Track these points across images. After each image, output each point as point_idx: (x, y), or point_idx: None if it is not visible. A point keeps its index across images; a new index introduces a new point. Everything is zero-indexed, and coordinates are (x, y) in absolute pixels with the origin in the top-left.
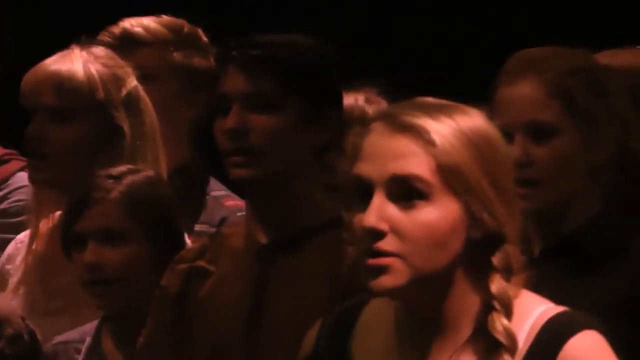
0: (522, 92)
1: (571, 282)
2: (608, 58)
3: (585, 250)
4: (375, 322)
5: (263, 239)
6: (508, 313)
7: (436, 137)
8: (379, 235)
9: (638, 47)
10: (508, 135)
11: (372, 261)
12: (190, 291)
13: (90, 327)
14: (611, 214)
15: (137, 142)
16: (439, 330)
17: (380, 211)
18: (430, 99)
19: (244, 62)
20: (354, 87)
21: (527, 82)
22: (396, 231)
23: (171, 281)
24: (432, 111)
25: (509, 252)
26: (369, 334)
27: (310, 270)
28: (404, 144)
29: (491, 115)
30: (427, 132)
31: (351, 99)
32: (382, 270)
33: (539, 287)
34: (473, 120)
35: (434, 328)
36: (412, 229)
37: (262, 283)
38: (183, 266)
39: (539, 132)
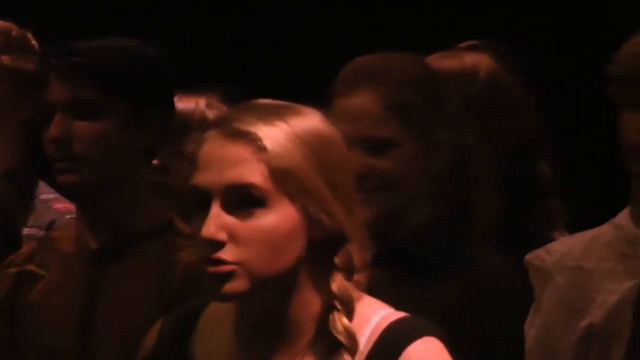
0: (359, 105)
1: (402, 289)
2: (436, 62)
3: (415, 258)
4: (217, 322)
5: (93, 244)
6: (349, 313)
7: (267, 143)
8: (218, 245)
9: (459, 45)
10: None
11: (213, 269)
12: (20, 295)
13: None
14: (442, 221)
15: None
16: (282, 332)
17: (218, 221)
18: (265, 101)
19: (63, 70)
20: (197, 90)
21: (363, 94)
22: (235, 240)
23: (0, 285)
24: (265, 115)
25: (351, 252)
26: (210, 334)
27: (142, 274)
28: (237, 152)
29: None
30: (259, 139)
31: (192, 103)
32: (223, 277)
33: (372, 294)
34: (307, 121)
35: (277, 330)
36: (250, 236)
37: (93, 288)
38: (12, 270)
39: (377, 146)
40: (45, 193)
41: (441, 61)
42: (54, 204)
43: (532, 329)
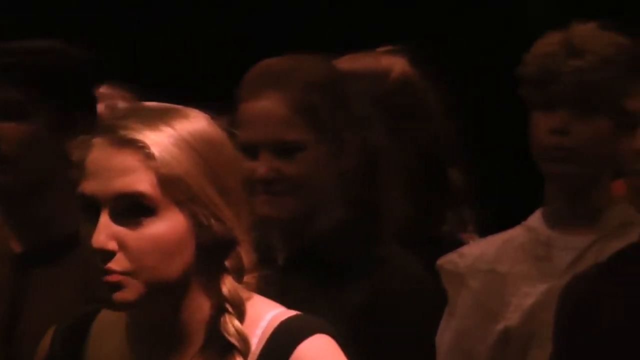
0: (266, 108)
1: (314, 290)
2: (348, 63)
3: (325, 259)
4: (110, 328)
5: (17, 247)
6: (240, 315)
7: (155, 150)
8: (108, 254)
9: (378, 50)
10: (253, 150)
11: (105, 278)
12: None
13: None
14: (353, 222)
15: None
16: (175, 337)
17: (107, 230)
18: (150, 104)
19: None
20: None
21: (270, 97)
22: (125, 249)
23: None
24: (151, 120)
25: (240, 254)
26: (103, 340)
27: (66, 279)
28: (124, 160)
29: (234, 127)
30: (146, 146)
31: (102, 106)
32: (115, 286)
33: (283, 296)
34: (194, 124)
35: (170, 334)
36: (140, 246)
37: (17, 292)
38: None
39: (285, 149)
40: None
41: (355, 60)
42: None
43: (446, 333)
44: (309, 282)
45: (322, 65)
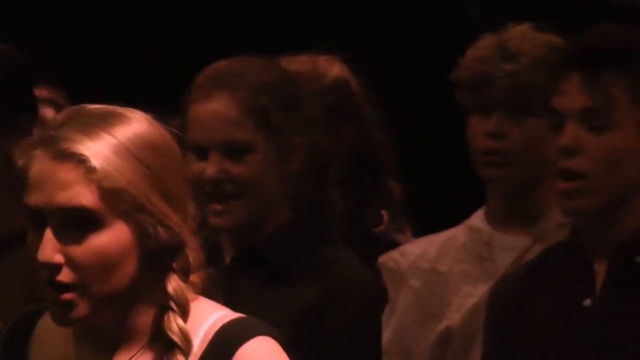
0: (216, 110)
1: (261, 290)
2: (286, 64)
3: (273, 259)
4: (54, 328)
5: None
6: (184, 313)
7: (96, 162)
8: (55, 268)
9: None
10: (202, 151)
11: (54, 296)
12: None
13: None
14: (301, 223)
15: None
16: (120, 335)
17: (52, 243)
18: (89, 109)
19: None
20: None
21: (219, 99)
22: (71, 262)
23: None
24: (90, 128)
25: (187, 255)
26: (47, 340)
27: (12, 276)
28: (66, 174)
29: (183, 130)
30: (87, 159)
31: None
32: (64, 305)
33: (230, 295)
34: (134, 129)
35: (114, 333)
36: (85, 258)
37: None
38: None
39: (234, 150)
40: None
41: (292, 61)
42: None
43: (386, 331)
44: (257, 282)
45: (273, 68)
